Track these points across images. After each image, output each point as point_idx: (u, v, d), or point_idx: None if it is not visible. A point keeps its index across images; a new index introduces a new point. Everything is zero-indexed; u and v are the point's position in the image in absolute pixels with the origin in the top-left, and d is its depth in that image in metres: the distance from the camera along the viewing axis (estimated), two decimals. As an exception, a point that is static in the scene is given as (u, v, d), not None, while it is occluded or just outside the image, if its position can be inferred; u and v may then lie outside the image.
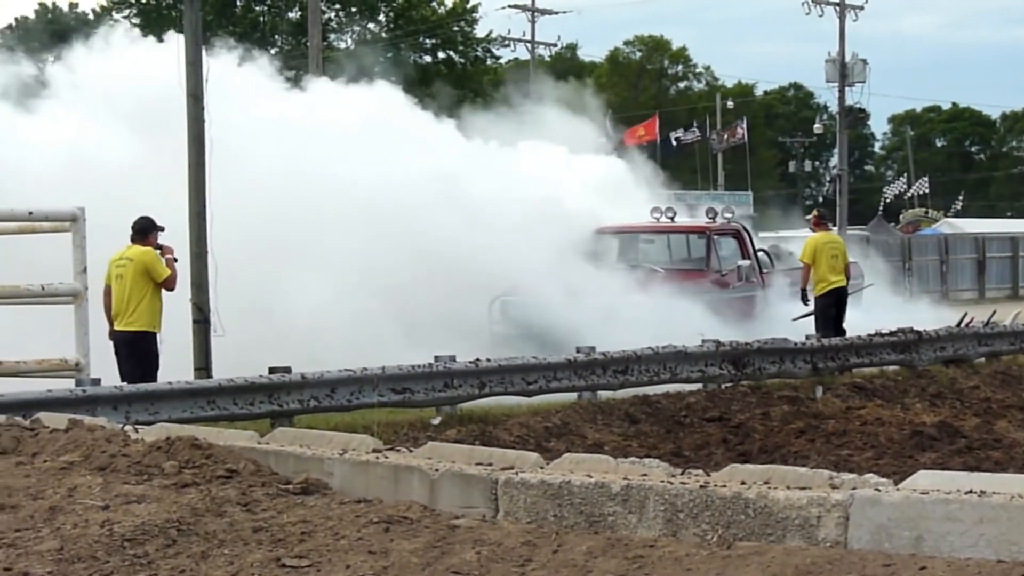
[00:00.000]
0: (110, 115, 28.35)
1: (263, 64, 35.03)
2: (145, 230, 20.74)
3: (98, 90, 29.45)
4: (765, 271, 33.09)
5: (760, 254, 34.29)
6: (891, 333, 24.68)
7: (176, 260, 21.31)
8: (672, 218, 35.42)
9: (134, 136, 27.58)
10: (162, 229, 20.99)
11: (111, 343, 20.77)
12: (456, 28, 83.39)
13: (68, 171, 25.46)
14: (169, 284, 20.73)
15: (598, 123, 54.27)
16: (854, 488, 8.84)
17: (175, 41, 24.64)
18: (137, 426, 13.11)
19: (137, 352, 20.26)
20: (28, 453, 11.89)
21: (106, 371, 19.33)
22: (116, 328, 20.57)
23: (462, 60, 78.19)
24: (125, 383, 18.27)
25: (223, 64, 30.02)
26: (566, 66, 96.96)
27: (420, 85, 50.76)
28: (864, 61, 68.94)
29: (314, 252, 26.83)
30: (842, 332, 25.24)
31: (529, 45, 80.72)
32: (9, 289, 19.95)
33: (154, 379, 19.73)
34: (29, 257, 21.39)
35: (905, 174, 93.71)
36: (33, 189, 23.38)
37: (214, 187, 23.20)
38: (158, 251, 20.75)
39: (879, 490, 8.71)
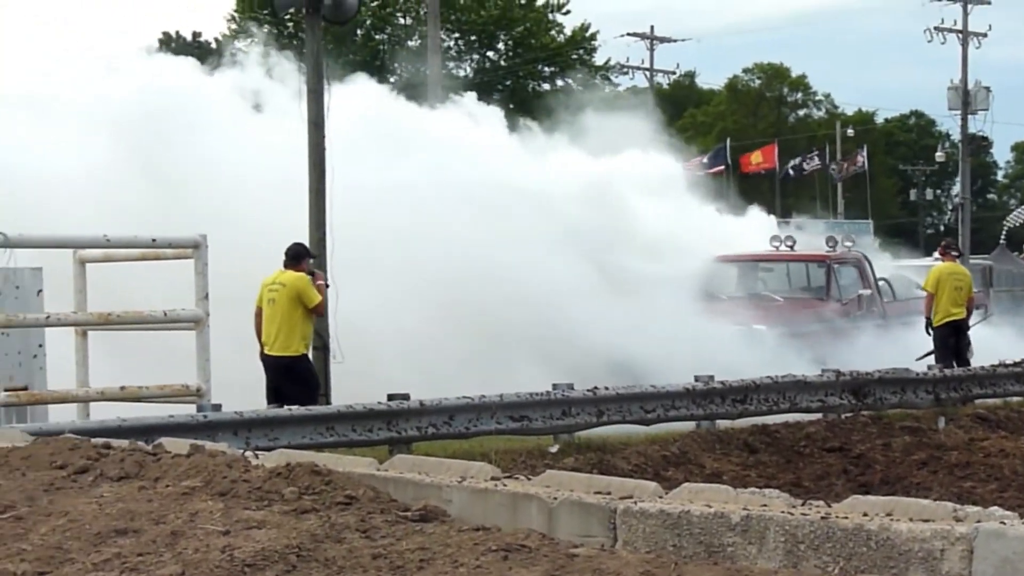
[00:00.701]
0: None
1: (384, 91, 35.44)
2: (299, 256, 21.23)
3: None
4: (886, 300, 32.96)
5: (881, 283, 34.12)
6: (1015, 364, 24.47)
7: (328, 286, 21.87)
8: (792, 247, 35.41)
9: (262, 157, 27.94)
10: (314, 256, 21.54)
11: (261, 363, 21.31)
12: (575, 56, 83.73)
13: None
14: (319, 310, 21.25)
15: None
16: (978, 521, 8.79)
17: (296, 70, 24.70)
18: (257, 452, 13.32)
19: (292, 376, 20.74)
20: (151, 478, 12.09)
21: (233, 395, 19.46)
22: (267, 353, 21.01)
23: (580, 87, 78.67)
24: (248, 409, 18.20)
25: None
26: (684, 93, 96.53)
27: (538, 112, 50.87)
28: (987, 88, 68.70)
29: (421, 280, 26.97)
30: (965, 363, 25.07)
31: (648, 73, 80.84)
32: (133, 315, 20.22)
33: (315, 399, 20.31)
34: (143, 283, 21.96)
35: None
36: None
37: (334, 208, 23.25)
38: (310, 276, 21.27)
39: (1004, 523, 8.67)
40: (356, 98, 32.37)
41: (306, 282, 21.17)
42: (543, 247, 28.79)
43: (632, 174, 38.60)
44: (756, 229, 39.96)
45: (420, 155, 30.96)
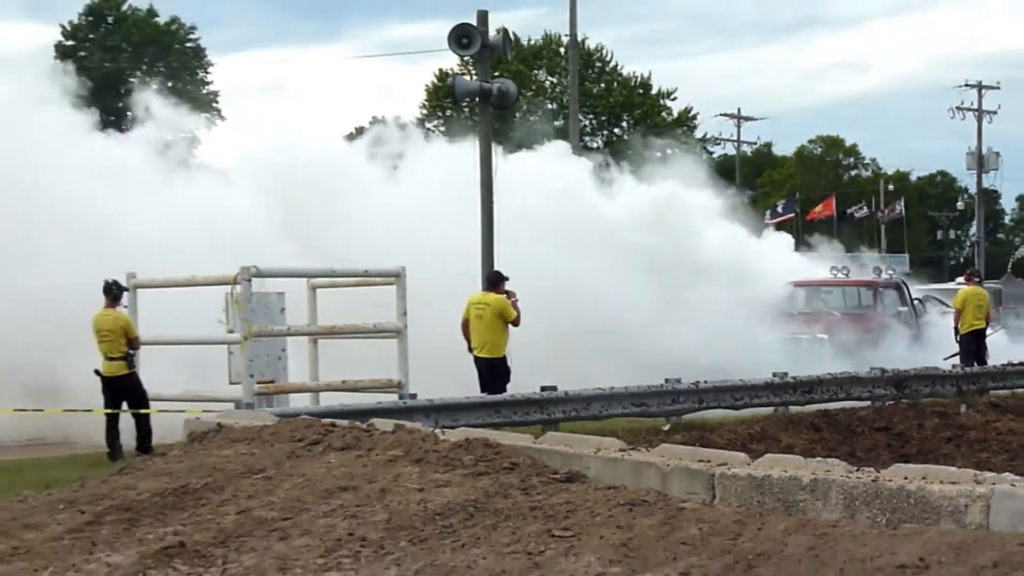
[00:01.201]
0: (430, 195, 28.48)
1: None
2: (497, 281, 21.52)
3: (416, 179, 29.75)
4: (919, 316, 33.70)
5: (915, 302, 35.02)
6: (1020, 363, 24.76)
7: (517, 300, 22.04)
8: (847, 274, 36.92)
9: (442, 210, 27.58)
10: (507, 279, 21.76)
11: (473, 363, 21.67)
12: (680, 131, 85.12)
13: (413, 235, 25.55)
14: (516, 322, 21.46)
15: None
16: (994, 484, 9.12)
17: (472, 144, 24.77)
18: (443, 429, 13.54)
19: (495, 373, 21.03)
20: (365, 449, 12.62)
21: (425, 387, 19.89)
22: (478, 355, 21.33)
23: (677, 151, 79.97)
24: (437, 397, 18.41)
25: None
26: (763, 159, 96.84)
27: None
28: (997, 153, 70.51)
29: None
30: (983, 363, 25.41)
31: (735, 144, 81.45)
32: (351, 327, 20.71)
33: (505, 389, 20.62)
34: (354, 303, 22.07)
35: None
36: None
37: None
38: (506, 296, 21.57)
39: (1014, 485, 8.99)
40: (522, 165, 33.35)
41: (506, 303, 21.42)
42: (663, 277, 28.96)
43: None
44: (823, 261, 40.88)
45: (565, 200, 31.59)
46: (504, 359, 21.39)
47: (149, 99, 31.90)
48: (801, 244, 43.64)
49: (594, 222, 31.73)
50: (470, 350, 21.92)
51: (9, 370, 21.63)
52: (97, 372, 18.20)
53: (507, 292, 22.00)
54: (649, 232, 32.08)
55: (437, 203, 28.57)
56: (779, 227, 50.93)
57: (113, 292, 18.72)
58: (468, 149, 28.66)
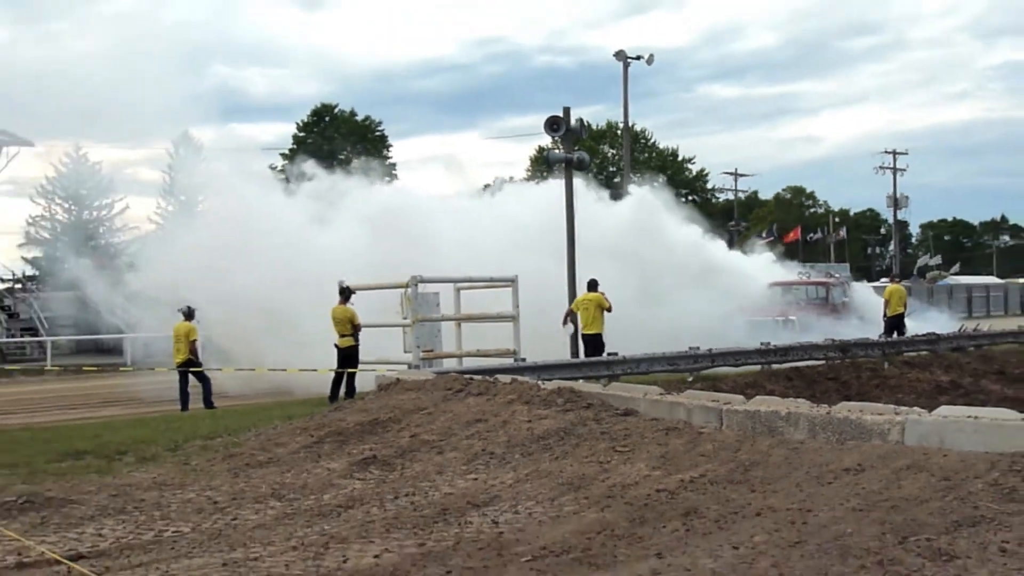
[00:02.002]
0: (519, 228, 27.64)
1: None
2: (595, 286, 21.38)
3: (512, 215, 28.95)
4: (858, 304, 33.88)
5: (855, 295, 35.60)
6: (924, 335, 24.59)
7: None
8: (808, 277, 37.93)
9: (529, 239, 26.52)
10: (597, 282, 21.56)
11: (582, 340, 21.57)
12: (697, 184, 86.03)
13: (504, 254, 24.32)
14: (610, 310, 21.26)
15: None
16: (907, 414, 9.28)
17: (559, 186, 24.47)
18: (543, 381, 13.77)
19: (596, 343, 20.81)
20: (492, 394, 12.91)
21: (531, 353, 19.78)
22: (584, 333, 21.17)
23: (697, 199, 79.93)
24: (539, 360, 18.52)
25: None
26: (752, 202, 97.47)
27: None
28: (906, 196, 73.42)
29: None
30: (901, 335, 25.32)
31: (734, 192, 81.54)
32: (483, 315, 21.04)
33: (602, 354, 20.33)
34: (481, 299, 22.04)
35: (928, 253, 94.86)
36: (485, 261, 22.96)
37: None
38: (602, 294, 21.38)
39: (920, 415, 9.17)
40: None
41: (602, 298, 21.19)
42: (686, 285, 28.97)
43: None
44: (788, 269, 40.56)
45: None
46: (600, 335, 21.14)
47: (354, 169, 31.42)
48: (779, 259, 43.87)
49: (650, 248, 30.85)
50: (564, 323, 21.93)
51: (236, 342, 22.06)
52: (335, 345, 18.35)
53: (602, 292, 21.70)
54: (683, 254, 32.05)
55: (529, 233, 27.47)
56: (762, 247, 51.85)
57: (345, 293, 18.80)
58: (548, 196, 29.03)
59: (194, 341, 19.38)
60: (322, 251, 24.17)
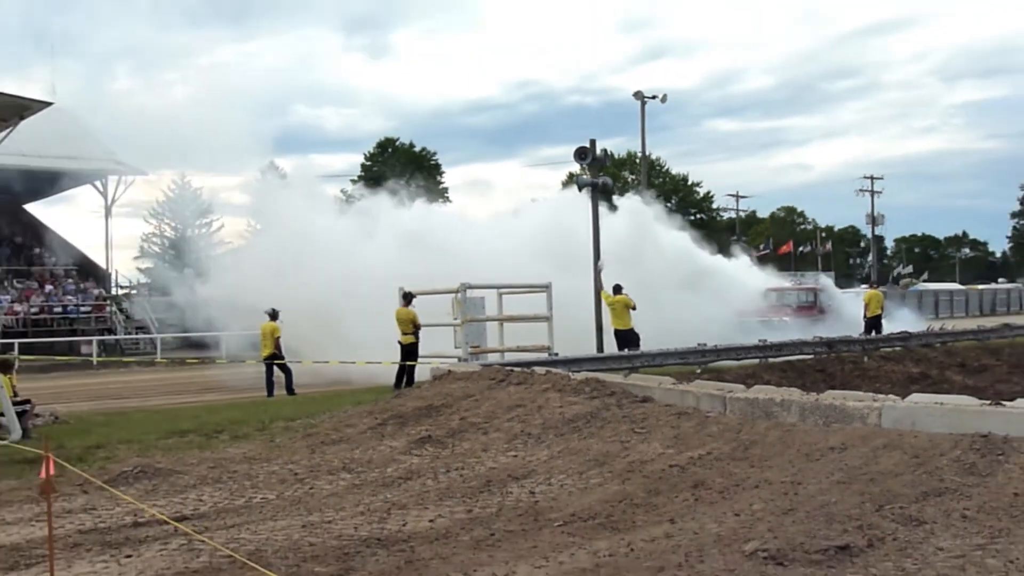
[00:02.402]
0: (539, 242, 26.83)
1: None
2: (620, 289, 21.16)
3: (535, 230, 28.05)
4: (842, 306, 33.15)
5: (839, 299, 34.50)
6: (898, 333, 24.09)
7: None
8: (800, 283, 37.43)
9: (547, 247, 26.02)
10: (621, 287, 21.31)
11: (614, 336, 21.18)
12: (704, 204, 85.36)
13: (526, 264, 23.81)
14: (635, 307, 21.04)
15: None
16: (884, 401, 9.24)
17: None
18: (573, 372, 13.44)
19: (627, 338, 20.67)
20: (529, 384, 12.75)
21: (564, 349, 19.46)
22: (616, 329, 20.93)
23: (704, 218, 79.28)
24: (569, 355, 18.25)
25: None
26: (752, 220, 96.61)
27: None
28: (882, 215, 72.64)
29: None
30: (879, 333, 24.88)
31: (735, 211, 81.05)
32: (522, 316, 20.74)
33: (637, 347, 20.24)
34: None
35: (901, 263, 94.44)
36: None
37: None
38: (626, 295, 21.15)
39: (894, 402, 9.10)
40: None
41: (628, 299, 20.97)
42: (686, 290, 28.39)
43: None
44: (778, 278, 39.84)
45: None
46: (631, 329, 20.97)
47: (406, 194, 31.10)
48: (776, 269, 43.61)
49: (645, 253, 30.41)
50: (615, 331, 21.35)
51: (297, 339, 21.70)
52: (399, 341, 18.24)
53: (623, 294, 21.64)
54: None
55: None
56: (761, 259, 51.12)
57: (407, 297, 18.75)
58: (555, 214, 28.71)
59: (278, 338, 19.48)
60: (368, 262, 24.11)
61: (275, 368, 19.26)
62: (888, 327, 26.96)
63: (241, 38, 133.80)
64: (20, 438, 12.48)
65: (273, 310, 19.76)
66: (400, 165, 74.78)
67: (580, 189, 23.34)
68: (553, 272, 21.45)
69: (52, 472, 5.00)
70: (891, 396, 9.69)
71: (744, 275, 35.15)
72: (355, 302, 22.14)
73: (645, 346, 20.33)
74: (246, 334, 23.92)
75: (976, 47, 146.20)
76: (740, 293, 31.36)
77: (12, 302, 35.33)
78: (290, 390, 18.80)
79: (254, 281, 23.38)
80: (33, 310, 35.09)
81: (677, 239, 33.15)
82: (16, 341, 30.20)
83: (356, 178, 70.91)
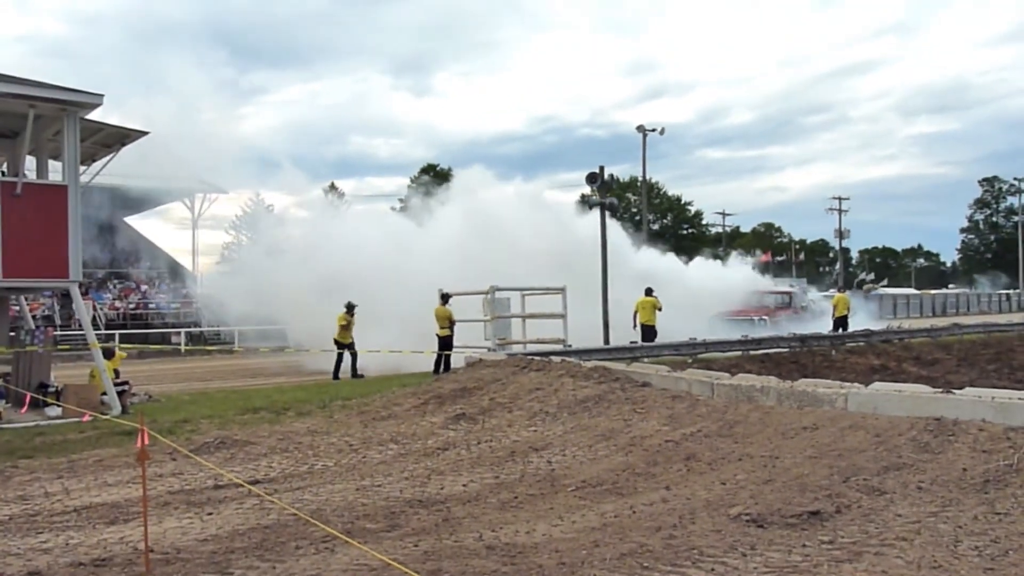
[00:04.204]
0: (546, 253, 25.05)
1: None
2: (650, 292, 21.24)
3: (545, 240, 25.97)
4: (813, 307, 32.47)
5: (812, 301, 33.63)
6: (862, 331, 23.57)
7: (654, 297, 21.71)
8: (778, 287, 36.41)
9: (554, 257, 24.47)
10: (652, 289, 21.41)
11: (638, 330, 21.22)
12: (696, 221, 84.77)
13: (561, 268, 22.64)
14: (660, 308, 21.19)
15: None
16: (850, 387, 9.13)
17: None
18: (583, 361, 13.36)
19: (651, 332, 20.87)
20: (547, 370, 12.72)
21: (577, 341, 19.10)
22: (643, 324, 21.10)
23: (695, 232, 78.69)
24: (580, 346, 17.85)
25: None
26: (736, 235, 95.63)
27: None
28: (848, 230, 72.13)
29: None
30: (845, 331, 24.42)
31: (723, 227, 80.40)
32: (540, 314, 20.27)
33: (653, 341, 20.28)
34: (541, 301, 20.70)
35: (865, 271, 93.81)
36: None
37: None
38: (654, 296, 21.28)
39: (859, 389, 8.98)
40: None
41: (655, 300, 21.11)
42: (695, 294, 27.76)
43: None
44: (761, 281, 38.89)
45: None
46: (654, 326, 21.10)
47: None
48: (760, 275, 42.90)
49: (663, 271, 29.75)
50: (634, 327, 21.37)
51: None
52: (437, 334, 17.94)
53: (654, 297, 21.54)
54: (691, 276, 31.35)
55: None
56: (756, 267, 50.62)
57: (444, 298, 18.38)
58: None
59: (343, 326, 19.06)
60: (417, 265, 23.46)
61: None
62: (853, 325, 26.65)
63: (308, 79, 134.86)
64: (120, 413, 12.61)
65: (350, 303, 19.20)
66: (440, 183, 75.07)
67: (590, 208, 23.18)
68: (568, 277, 21.21)
69: (146, 442, 5.05)
70: (856, 384, 9.57)
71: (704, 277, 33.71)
72: (408, 298, 21.36)
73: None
74: (308, 326, 23.62)
75: (931, 87, 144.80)
76: (707, 293, 30.18)
77: (113, 299, 35.70)
78: (354, 373, 18.59)
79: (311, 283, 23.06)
80: (131, 306, 35.43)
81: (646, 254, 32.70)
82: (117, 332, 30.51)
83: (402, 199, 71.18)
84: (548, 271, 22.18)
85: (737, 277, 34.96)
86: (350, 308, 19.31)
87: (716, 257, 41.93)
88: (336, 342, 19.13)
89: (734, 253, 49.31)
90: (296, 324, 23.91)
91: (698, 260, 38.80)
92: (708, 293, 29.43)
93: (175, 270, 40.94)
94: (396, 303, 21.18)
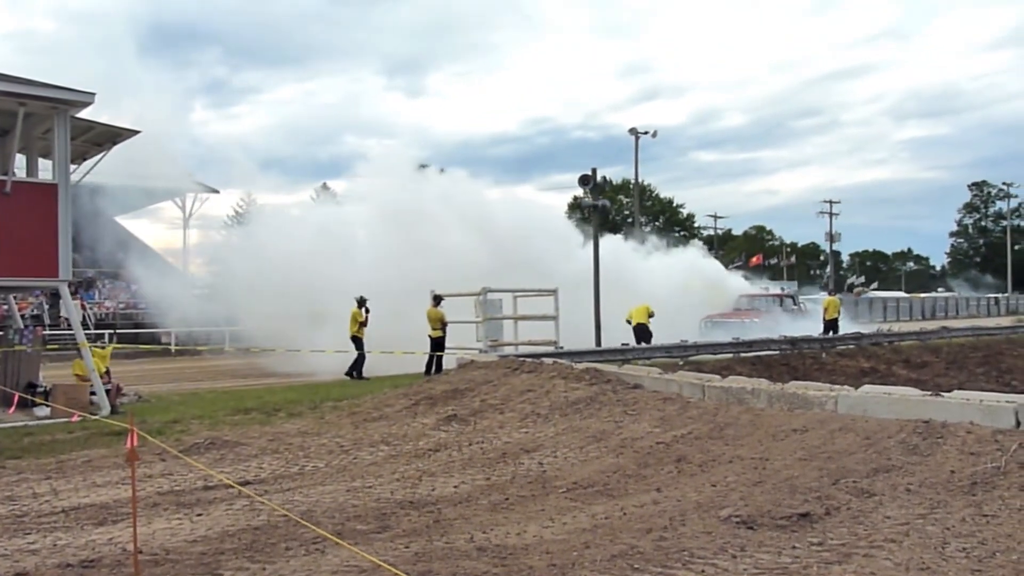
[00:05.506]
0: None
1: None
2: (646, 303, 21.37)
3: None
4: (804, 309, 32.46)
5: (802, 304, 33.50)
6: (852, 333, 23.75)
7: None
8: (768, 289, 36.78)
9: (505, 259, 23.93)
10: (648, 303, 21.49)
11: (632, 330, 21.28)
12: (687, 223, 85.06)
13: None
14: (652, 315, 21.27)
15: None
16: (840, 390, 9.11)
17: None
18: (575, 363, 13.33)
19: (644, 334, 20.93)
20: (538, 372, 12.67)
21: (568, 342, 19.18)
22: (634, 322, 21.14)
23: (686, 235, 78.99)
24: (571, 347, 18.05)
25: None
26: (727, 237, 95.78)
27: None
28: (839, 233, 72.18)
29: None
30: (836, 333, 24.48)
31: (715, 230, 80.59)
32: (532, 315, 20.35)
33: (650, 343, 20.34)
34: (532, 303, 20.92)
35: (855, 274, 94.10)
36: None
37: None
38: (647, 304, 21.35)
39: (848, 392, 8.97)
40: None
41: (648, 307, 21.31)
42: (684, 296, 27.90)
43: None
44: (752, 285, 38.78)
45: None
46: (647, 327, 21.27)
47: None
48: (747, 278, 42.71)
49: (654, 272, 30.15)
50: (630, 322, 21.61)
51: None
52: (429, 335, 17.94)
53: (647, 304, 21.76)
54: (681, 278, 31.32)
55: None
56: (738, 268, 50.41)
57: (437, 300, 18.37)
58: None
59: (360, 323, 18.73)
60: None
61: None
62: (843, 328, 26.72)
63: (301, 78, 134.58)
64: (109, 414, 12.54)
65: (361, 297, 18.88)
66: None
67: (583, 210, 23.19)
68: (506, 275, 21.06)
69: (136, 443, 5.03)
70: (846, 387, 9.57)
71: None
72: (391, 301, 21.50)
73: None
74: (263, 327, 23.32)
75: (923, 92, 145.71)
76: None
77: (104, 299, 35.49)
78: (356, 374, 18.27)
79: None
80: (121, 306, 35.23)
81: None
82: (107, 332, 30.35)
83: None
84: (471, 267, 22.08)
85: (684, 265, 33.88)
86: (362, 302, 18.85)
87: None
88: (354, 339, 18.62)
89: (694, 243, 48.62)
90: (251, 325, 23.60)
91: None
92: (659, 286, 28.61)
93: (165, 269, 40.75)
94: (340, 303, 20.72)
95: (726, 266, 45.30)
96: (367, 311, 18.87)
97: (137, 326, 33.10)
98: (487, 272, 21.29)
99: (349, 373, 18.38)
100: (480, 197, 27.94)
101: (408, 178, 26.60)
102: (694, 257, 37.18)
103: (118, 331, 31.35)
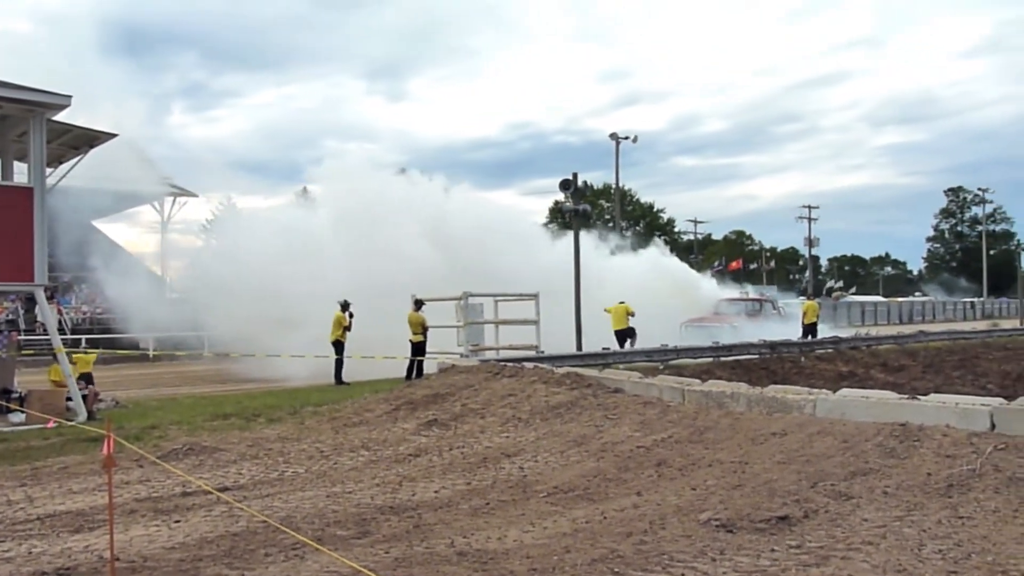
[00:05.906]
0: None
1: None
2: (623, 301, 21.30)
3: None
4: (783, 313, 32.57)
5: (781, 308, 33.44)
6: (831, 337, 23.86)
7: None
8: (748, 294, 36.79)
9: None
10: (625, 301, 21.47)
11: (614, 335, 21.19)
12: (667, 228, 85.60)
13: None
14: (633, 314, 21.27)
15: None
16: (818, 394, 9.22)
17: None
18: (556, 367, 13.39)
19: (627, 336, 21.02)
20: (519, 377, 12.68)
21: (549, 347, 19.06)
22: (616, 329, 21.19)
23: (667, 239, 79.54)
24: (554, 352, 17.84)
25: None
26: (708, 242, 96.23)
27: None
28: (817, 238, 72.13)
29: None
30: (815, 337, 24.53)
31: (694, 235, 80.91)
32: (513, 319, 20.25)
33: (633, 345, 20.44)
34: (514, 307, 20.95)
35: (833, 279, 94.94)
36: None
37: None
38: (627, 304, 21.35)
39: (827, 395, 9.08)
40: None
41: (627, 307, 21.23)
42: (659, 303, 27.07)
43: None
44: (730, 289, 38.80)
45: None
46: (628, 329, 21.25)
47: None
48: (726, 283, 42.79)
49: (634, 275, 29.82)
50: (616, 329, 21.46)
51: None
52: (409, 340, 17.92)
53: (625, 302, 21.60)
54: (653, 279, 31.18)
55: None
56: (713, 274, 50.42)
57: (418, 304, 18.34)
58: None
59: (344, 328, 18.60)
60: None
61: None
62: (822, 331, 26.85)
63: (281, 82, 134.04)
64: (86, 420, 12.42)
65: (345, 301, 18.75)
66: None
67: (564, 215, 23.20)
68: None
69: (113, 449, 4.99)
70: (824, 390, 9.68)
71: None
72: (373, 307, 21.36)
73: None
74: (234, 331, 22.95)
75: (900, 98, 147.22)
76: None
77: (82, 303, 35.14)
78: (337, 379, 18.13)
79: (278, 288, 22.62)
80: (98, 311, 34.88)
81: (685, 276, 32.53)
82: (84, 337, 30.07)
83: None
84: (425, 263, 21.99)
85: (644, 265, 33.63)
86: (346, 307, 18.75)
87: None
88: (335, 344, 18.51)
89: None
90: (224, 330, 23.40)
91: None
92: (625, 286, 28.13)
93: (144, 274, 40.39)
94: (308, 308, 20.50)
95: (704, 271, 45.49)
96: (351, 316, 18.75)
97: (112, 331, 32.78)
98: (441, 277, 21.28)
99: (339, 381, 18.15)
100: (439, 199, 27.87)
101: (366, 181, 26.44)
102: (656, 256, 36.85)
103: (95, 336, 31.05)
